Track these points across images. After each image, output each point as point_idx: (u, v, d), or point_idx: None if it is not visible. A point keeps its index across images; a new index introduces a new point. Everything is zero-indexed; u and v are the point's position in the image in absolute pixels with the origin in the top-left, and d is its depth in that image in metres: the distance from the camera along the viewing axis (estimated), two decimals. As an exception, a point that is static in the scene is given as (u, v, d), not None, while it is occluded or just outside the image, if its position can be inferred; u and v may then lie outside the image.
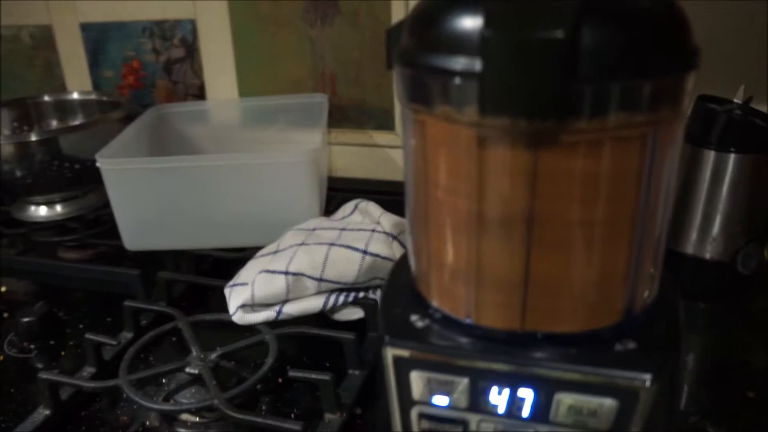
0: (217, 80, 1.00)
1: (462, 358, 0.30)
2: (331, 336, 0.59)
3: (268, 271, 0.61)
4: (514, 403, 0.30)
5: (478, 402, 0.30)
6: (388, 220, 0.65)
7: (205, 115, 0.94)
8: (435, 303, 0.32)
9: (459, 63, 0.25)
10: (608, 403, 0.29)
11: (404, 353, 0.31)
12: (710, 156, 0.67)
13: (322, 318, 0.63)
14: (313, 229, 0.67)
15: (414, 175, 0.31)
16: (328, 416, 0.53)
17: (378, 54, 0.88)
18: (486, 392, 0.30)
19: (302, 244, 0.64)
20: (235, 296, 0.61)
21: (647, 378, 0.28)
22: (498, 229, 0.28)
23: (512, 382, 0.30)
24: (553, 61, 0.23)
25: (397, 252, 0.62)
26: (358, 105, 0.93)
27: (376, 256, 0.62)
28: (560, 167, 0.26)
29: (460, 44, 0.26)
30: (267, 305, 0.61)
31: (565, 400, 0.29)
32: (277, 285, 0.60)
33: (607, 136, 0.26)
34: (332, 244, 0.63)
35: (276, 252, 0.64)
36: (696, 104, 0.72)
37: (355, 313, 0.65)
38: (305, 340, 0.61)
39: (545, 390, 0.29)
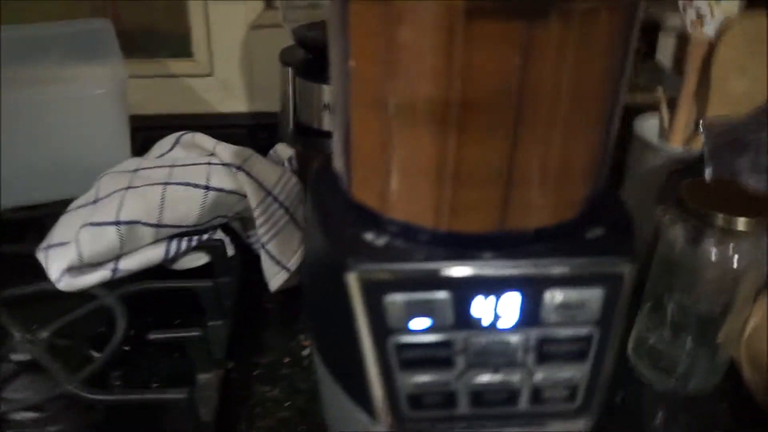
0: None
1: (442, 270, 0.26)
2: (185, 287, 0.51)
3: (93, 224, 0.51)
4: (501, 311, 0.27)
5: (462, 317, 0.27)
6: (225, 150, 0.57)
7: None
8: (391, 215, 0.27)
9: None
10: (595, 292, 0.27)
11: (375, 276, 0.26)
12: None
13: (158, 271, 0.55)
14: (135, 170, 0.57)
15: (359, 61, 0.26)
16: (201, 376, 0.46)
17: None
18: (469, 305, 0.27)
19: (129, 187, 0.54)
20: (55, 259, 0.50)
21: (629, 261, 0.27)
22: (481, 116, 0.24)
23: (498, 288, 0.26)
24: None
25: (244, 184, 0.55)
26: (146, 30, 0.81)
27: (220, 190, 0.55)
28: (554, 40, 0.23)
29: None
30: (98, 264, 0.51)
31: (554, 297, 0.27)
32: (108, 238, 0.50)
33: (604, 5, 0.23)
34: (167, 183, 0.54)
35: (96, 201, 0.54)
36: None
37: (199, 259, 0.57)
38: (145, 297, 0.52)
39: (534, 290, 0.27)
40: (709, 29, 0.67)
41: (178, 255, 0.55)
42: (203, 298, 0.52)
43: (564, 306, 0.27)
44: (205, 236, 0.57)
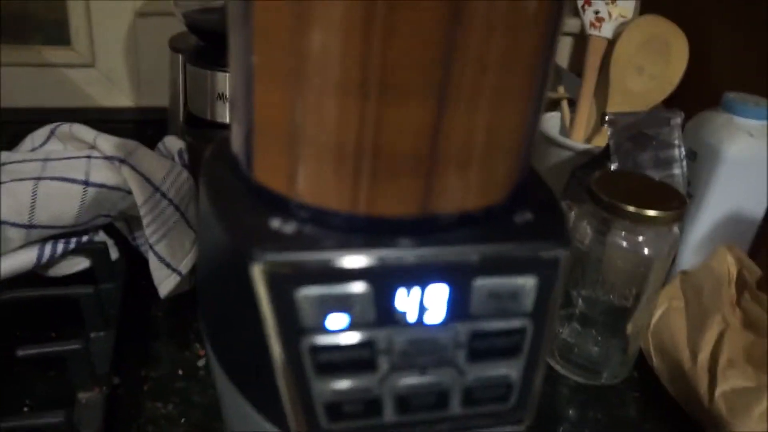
0: None
1: (361, 259, 0.23)
2: (61, 294, 0.45)
3: (-52, 225, 0.44)
4: (427, 304, 0.24)
5: (384, 313, 0.23)
6: (107, 142, 0.51)
7: None
8: (300, 198, 0.24)
9: None
10: (528, 280, 0.25)
11: (284, 268, 0.22)
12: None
13: (30, 278, 0.48)
14: (1, 164, 0.50)
15: (259, 23, 0.22)
16: (82, 395, 0.41)
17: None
18: (391, 298, 0.23)
19: (-8, 183, 0.47)
20: None
21: (563, 245, 0.25)
22: (403, 84, 0.21)
23: (423, 278, 0.23)
24: None
25: (129, 179, 0.49)
26: (18, 15, 0.73)
27: (102, 186, 0.49)
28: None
29: None
30: (-45, 271, 0.44)
31: (484, 286, 0.24)
32: (-33, 241, 0.44)
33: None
34: (39, 179, 0.48)
35: (-48, 199, 0.46)
36: None
37: (79, 264, 0.51)
38: (14, 308, 0.46)
39: (462, 280, 0.24)
40: (607, 30, 0.68)
41: (54, 259, 0.49)
42: (83, 307, 0.46)
43: (495, 296, 0.24)
44: (85, 238, 0.51)
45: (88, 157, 0.51)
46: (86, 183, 0.49)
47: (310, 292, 0.22)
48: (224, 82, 0.55)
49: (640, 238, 0.47)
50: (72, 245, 0.50)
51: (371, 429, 0.24)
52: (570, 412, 0.49)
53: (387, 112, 0.21)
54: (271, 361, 0.23)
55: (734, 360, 0.45)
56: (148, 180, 0.50)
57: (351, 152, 0.22)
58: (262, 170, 0.25)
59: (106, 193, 0.50)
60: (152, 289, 0.50)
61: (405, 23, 0.20)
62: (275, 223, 0.24)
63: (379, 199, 0.23)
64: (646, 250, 0.47)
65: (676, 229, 0.47)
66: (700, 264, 0.54)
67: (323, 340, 0.23)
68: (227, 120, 0.56)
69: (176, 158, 0.54)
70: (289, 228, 0.23)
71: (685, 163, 0.56)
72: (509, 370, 0.25)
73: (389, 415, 0.24)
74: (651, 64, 0.67)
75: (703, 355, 0.46)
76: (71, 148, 0.54)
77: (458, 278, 0.24)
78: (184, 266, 0.50)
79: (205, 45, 0.59)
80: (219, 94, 0.55)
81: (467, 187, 0.24)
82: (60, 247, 0.49)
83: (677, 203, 0.45)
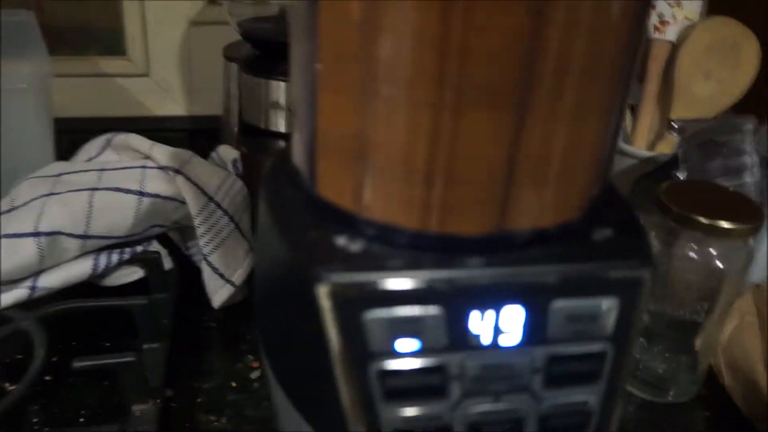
0: None
1: (433, 280, 0.21)
2: (116, 305, 0.45)
3: (7, 236, 0.44)
4: (502, 327, 0.22)
5: (456, 337, 0.22)
6: (162, 152, 0.51)
7: None
8: (368, 215, 0.23)
9: None
10: (609, 301, 0.23)
11: (352, 289, 0.21)
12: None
13: (85, 288, 0.48)
14: (59, 175, 0.50)
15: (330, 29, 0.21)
16: (137, 408, 0.40)
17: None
18: (464, 321, 0.22)
19: (50, 194, 0.48)
20: (-38, 277, 0.43)
21: (646, 264, 0.23)
22: (482, 95, 0.20)
23: (496, 300, 0.22)
24: None
25: (183, 189, 0.49)
26: (77, 25, 0.74)
27: (156, 196, 0.49)
28: (567, 11, 0.19)
29: None
30: (14, 281, 0.44)
31: (562, 308, 0.23)
32: (26, 252, 0.44)
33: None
34: (95, 189, 0.48)
35: (11, 210, 0.47)
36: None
37: (133, 274, 0.51)
38: (69, 319, 0.46)
39: (539, 301, 0.22)
40: (672, 33, 0.66)
41: (108, 269, 0.49)
42: (137, 318, 0.46)
43: (574, 318, 0.23)
44: (139, 248, 0.51)
45: (143, 167, 0.51)
46: (141, 193, 0.49)
47: (378, 315, 0.21)
48: (278, 90, 0.55)
49: (712, 251, 0.44)
50: (127, 255, 0.50)
51: (441, 459, 0.23)
52: (636, 430, 0.47)
53: (462, 124, 0.20)
54: (337, 385, 0.22)
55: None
56: (202, 190, 0.50)
57: (422, 166, 0.21)
58: (326, 185, 0.24)
59: (160, 204, 0.49)
60: (205, 300, 0.49)
61: (483, 33, 0.19)
62: (341, 240, 0.23)
63: (450, 215, 0.22)
64: (718, 263, 0.44)
65: (751, 241, 0.44)
66: (774, 278, 0.51)
67: (392, 365, 0.22)
68: (281, 129, 0.56)
69: (230, 168, 0.54)
70: (356, 246, 0.22)
71: (757, 170, 0.53)
72: (588, 396, 0.24)
73: (460, 445, 0.23)
74: (719, 67, 0.64)
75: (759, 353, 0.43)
76: (126, 158, 0.54)
77: (535, 300, 0.22)
78: (238, 277, 0.50)
79: (260, 54, 0.59)
80: (273, 102, 0.55)
81: (544, 203, 0.22)
82: (115, 257, 0.49)
83: (755, 216, 0.43)
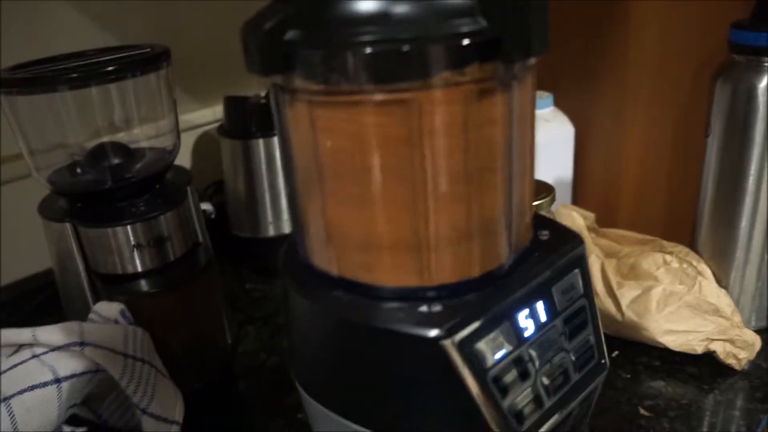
0: None
1: (496, 307, 0.31)
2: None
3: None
4: (537, 317, 0.33)
5: (517, 334, 0.32)
6: (50, 333, 0.51)
7: None
8: (431, 282, 0.32)
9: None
10: (575, 273, 0.36)
11: (460, 335, 0.30)
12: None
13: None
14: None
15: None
16: None
17: None
18: (516, 322, 0.32)
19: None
20: None
21: (581, 242, 0.36)
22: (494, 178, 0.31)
23: (525, 302, 0.33)
24: None
25: (98, 357, 0.50)
26: None
27: (72, 376, 0.50)
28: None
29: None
30: None
31: (558, 289, 0.34)
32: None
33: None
34: (7, 399, 0.46)
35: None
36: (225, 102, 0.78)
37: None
38: None
39: (545, 292, 0.34)
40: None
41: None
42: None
43: (564, 291, 0.35)
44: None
45: (34, 356, 0.50)
46: (58, 381, 0.48)
47: (483, 341, 0.31)
48: (128, 233, 0.56)
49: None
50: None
51: (540, 422, 0.33)
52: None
53: (487, 202, 0.31)
54: (476, 403, 0.30)
55: (620, 281, 0.61)
56: (114, 351, 0.51)
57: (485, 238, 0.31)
58: (389, 273, 0.32)
59: (77, 382, 0.49)
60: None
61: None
62: (421, 308, 0.31)
63: (480, 265, 0.32)
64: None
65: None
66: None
67: (498, 370, 0.31)
68: (140, 268, 0.58)
69: (121, 320, 0.55)
70: (435, 307, 0.31)
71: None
72: (587, 335, 0.36)
73: (546, 403, 0.33)
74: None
75: (600, 287, 0.61)
76: (4, 357, 0.51)
77: (545, 292, 0.34)
78: (179, 414, 0.52)
79: (82, 205, 0.59)
80: (136, 244, 0.56)
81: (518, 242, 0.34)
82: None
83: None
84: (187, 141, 0.89)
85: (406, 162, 0.29)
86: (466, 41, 0.27)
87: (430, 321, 0.30)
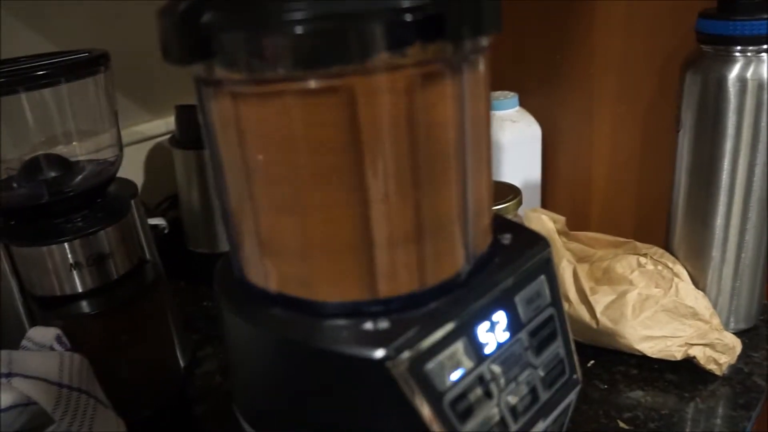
0: None
1: (452, 321, 0.28)
2: None
3: None
4: (498, 331, 0.30)
5: (477, 351, 0.29)
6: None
7: None
8: (383, 294, 0.28)
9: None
10: (541, 279, 0.32)
11: (410, 354, 0.26)
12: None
13: None
14: None
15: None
16: None
17: None
18: (476, 336, 0.29)
19: None
20: None
21: (546, 245, 0.33)
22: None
23: (485, 314, 0.29)
24: None
25: (26, 389, 0.45)
26: None
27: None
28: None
29: None
30: None
31: (522, 297, 0.31)
32: None
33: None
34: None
35: None
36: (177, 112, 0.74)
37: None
38: None
39: (508, 302, 0.30)
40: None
41: None
42: None
43: (529, 300, 0.31)
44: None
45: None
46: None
47: (434, 362, 0.27)
48: (67, 251, 0.52)
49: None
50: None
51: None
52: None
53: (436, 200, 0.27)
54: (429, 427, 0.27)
55: (594, 287, 0.58)
56: (47, 381, 0.46)
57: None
58: (329, 290, 0.28)
59: (5, 417, 0.45)
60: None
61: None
62: (366, 325, 0.28)
63: (434, 274, 0.29)
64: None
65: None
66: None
67: (455, 392, 0.28)
68: (80, 288, 0.53)
69: (56, 347, 0.50)
70: (382, 324, 0.28)
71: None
72: (557, 348, 0.32)
73: (512, 427, 0.30)
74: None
75: (573, 294, 0.58)
76: None
77: (505, 301, 0.30)
78: (122, 446, 0.48)
79: (17, 222, 0.55)
80: (74, 263, 0.52)
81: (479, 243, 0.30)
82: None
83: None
84: (139, 154, 0.84)
85: (344, 160, 0.26)
86: (407, 17, 0.24)
87: (375, 339, 0.27)
